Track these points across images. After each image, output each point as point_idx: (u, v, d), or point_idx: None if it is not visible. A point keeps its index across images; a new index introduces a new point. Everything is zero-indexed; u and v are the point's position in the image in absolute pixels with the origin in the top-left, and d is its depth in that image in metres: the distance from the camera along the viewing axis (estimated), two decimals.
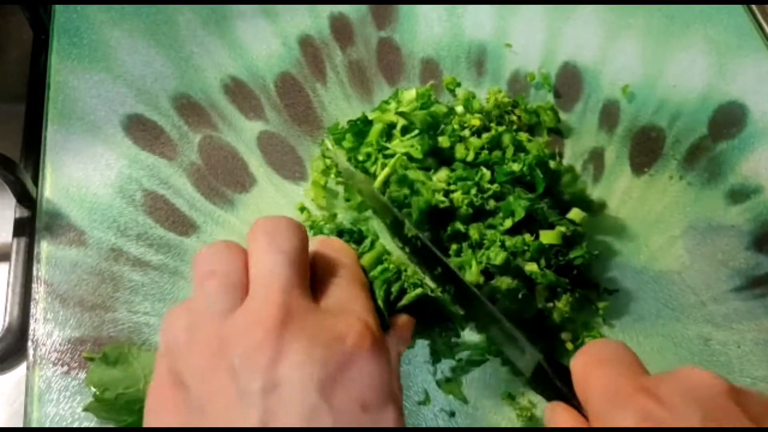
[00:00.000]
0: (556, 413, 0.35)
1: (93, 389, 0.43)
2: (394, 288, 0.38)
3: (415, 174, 0.48)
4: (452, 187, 0.48)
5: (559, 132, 0.58)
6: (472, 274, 0.45)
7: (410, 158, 0.50)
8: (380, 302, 0.36)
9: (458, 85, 0.59)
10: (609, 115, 0.59)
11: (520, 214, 0.47)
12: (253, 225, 0.34)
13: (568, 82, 0.61)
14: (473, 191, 0.48)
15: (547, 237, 0.47)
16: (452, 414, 0.45)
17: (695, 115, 0.59)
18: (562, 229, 0.47)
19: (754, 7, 0.65)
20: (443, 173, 0.49)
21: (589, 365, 0.33)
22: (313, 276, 0.34)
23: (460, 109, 0.54)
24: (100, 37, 0.60)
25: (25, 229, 0.51)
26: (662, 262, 0.52)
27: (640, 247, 0.53)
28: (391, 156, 0.50)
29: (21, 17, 0.62)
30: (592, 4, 0.65)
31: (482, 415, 0.46)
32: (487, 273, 0.46)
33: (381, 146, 0.51)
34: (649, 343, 0.49)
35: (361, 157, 0.51)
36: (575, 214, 0.50)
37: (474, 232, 0.46)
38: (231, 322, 0.31)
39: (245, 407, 0.28)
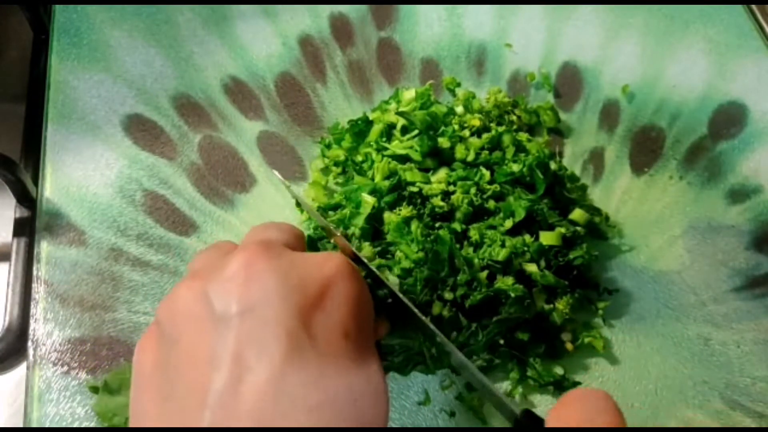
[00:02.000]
0: None
1: (97, 416, 0.43)
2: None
3: (413, 175, 0.48)
4: (452, 188, 0.48)
5: (559, 132, 0.58)
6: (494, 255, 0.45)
7: (409, 159, 0.50)
8: None
9: (458, 85, 0.60)
10: (609, 115, 0.59)
11: (520, 214, 0.47)
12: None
13: (568, 82, 0.61)
14: (473, 191, 0.48)
15: (547, 238, 0.47)
16: (452, 414, 0.45)
17: (695, 115, 0.59)
18: (562, 230, 0.47)
19: (754, 7, 0.65)
20: (442, 173, 0.49)
21: (579, 421, 0.29)
22: None
23: (460, 109, 0.54)
24: (100, 37, 0.60)
25: (25, 229, 0.51)
26: (662, 262, 0.52)
27: (640, 247, 0.53)
28: (391, 156, 0.50)
29: (21, 17, 0.62)
30: (592, 4, 0.65)
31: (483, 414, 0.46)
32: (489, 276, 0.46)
33: (380, 146, 0.51)
34: (649, 343, 0.49)
35: (359, 158, 0.51)
36: (578, 215, 0.50)
37: (474, 233, 0.46)
38: (211, 265, 0.31)
39: (221, 331, 0.28)
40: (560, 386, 0.46)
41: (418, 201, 0.48)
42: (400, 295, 0.39)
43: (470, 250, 0.46)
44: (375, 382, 0.30)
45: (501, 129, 0.52)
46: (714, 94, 0.60)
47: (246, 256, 0.30)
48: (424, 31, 0.63)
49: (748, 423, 0.46)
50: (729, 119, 0.59)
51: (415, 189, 0.48)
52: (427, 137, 0.49)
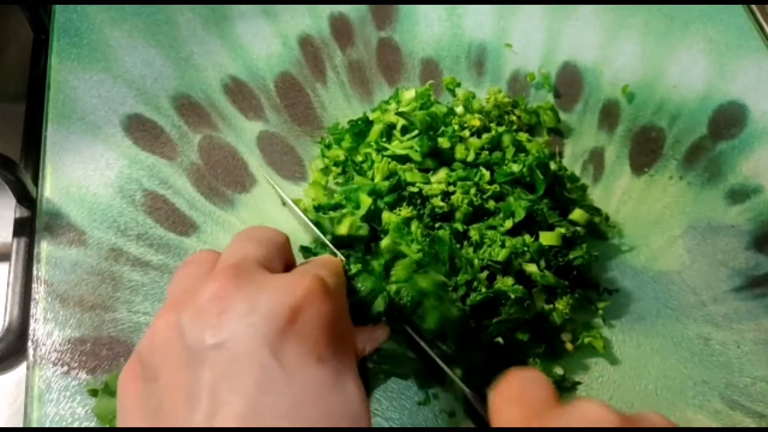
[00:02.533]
0: None
1: (97, 418, 0.43)
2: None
3: (413, 176, 0.48)
4: (451, 188, 0.48)
5: (559, 132, 0.58)
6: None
7: (409, 160, 0.50)
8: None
9: (458, 85, 0.60)
10: (609, 115, 0.59)
11: (520, 215, 0.47)
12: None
13: (568, 82, 0.61)
14: (473, 191, 0.48)
15: (547, 238, 0.47)
16: (452, 414, 0.45)
17: (695, 115, 0.59)
18: (562, 230, 0.47)
19: (754, 7, 0.65)
20: (442, 173, 0.49)
21: (499, 403, 0.32)
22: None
23: (460, 109, 0.54)
24: (100, 37, 0.60)
25: (25, 229, 0.51)
26: (662, 262, 0.52)
27: (640, 247, 0.53)
28: (391, 156, 0.50)
29: (21, 17, 0.62)
30: (592, 4, 0.65)
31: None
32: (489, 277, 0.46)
33: (380, 146, 0.51)
34: (649, 343, 0.49)
35: (359, 158, 0.51)
36: (578, 215, 0.50)
37: (474, 233, 0.46)
38: (187, 291, 0.31)
39: (196, 367, 0.28)
40: (560, 386, 0.46)
41: (418, 201, 0.48)
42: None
43: (470, 250, 0.46)
44: (353, 405, 0.29)
45: (501, 129, 0.52)
46: (714, 94, 0.60)
47: (217, 285, 0.30)
48: (424, 31, 0.63)
49: (748, 423, 0.46)
50: (729, 119, 0.59)
51: (414, 189, 0.48)
52: (427, 137, 0.49)
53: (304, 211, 0.52)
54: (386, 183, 0.48)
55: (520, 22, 0.64)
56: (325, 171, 0.54)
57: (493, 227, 0.47)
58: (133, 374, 0.31)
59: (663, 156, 0.57)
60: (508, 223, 0.47)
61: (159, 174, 0.54)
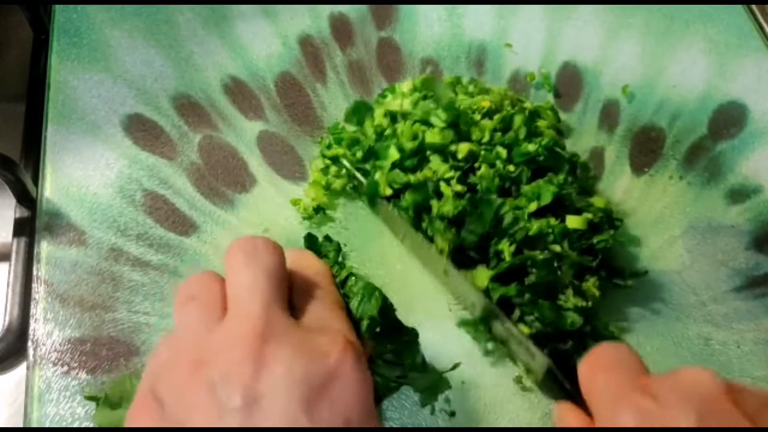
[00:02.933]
0: (564, 413, 0.37)
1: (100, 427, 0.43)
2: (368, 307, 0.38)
3: (432, 136, 0.48)
4: (476, 164, 0.48)
5: (559, 132, 0.58)
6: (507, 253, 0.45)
7: (428, 124, 0.50)
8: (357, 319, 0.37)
9: (458, 83, 0.59)
10: (609, 115, 0.59)
11: (547, 198, 0.46)
12: (229, 247, 0.34)
13: (568, 82, 0.61)
14: (499, 164, 0.48)
15: (573, 222, 0.46)
16: (452, 414, 0.45)
17: (695, 115, 0.59)
18: (589, 215, 0.47)
19: (754, 7, 0.65)
20: (464, 146, 0.49)
21: (593, 368, 0.34)
22: (290, 292, 0.34)
23: (465, 80, 0.55)
24: (100, 37, 0.60)
25: (25, 229, 0.51)
26: (662, 262, 0.52)
27: (640, 247, 0.53)
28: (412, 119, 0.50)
29: (21, 17, 0.62)
30: (592, 4, 0.65)
31: (482, 415, 0.46)
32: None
33: (403, 111, 0.51)
34: (649, 343, 0.49)
35: (371, 132, 0.51)
36: (598, 201, 0.50)
37: (507, 206, 0.46)
38: (210, 339, 0.30)
39: (228, 421, 0.28)
40: None
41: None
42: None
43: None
44: None
45: (513, 110, 0.52)
46: (714, 94, 0.60)
47: (250, 343, 0.29)
48: (424, 31, 0.63)
49: (749, 423, 0.46)
50: (729, 119, 0.59)
51: (438, 159, 0.48)
52: (451, 108, 0.49)
53: (305, 211, 0.52)
54: (412, 143, 0.48)
55: (520, 22, 0.64)
56: (325, 171, 0.54)
57: (519, 208, 0.47)
58: (150, 415, 0.30)
59: (663, 156, 0.57)
60: (533, 205, 0.46)
61: (159, 174, 0.54)
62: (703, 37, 0.63)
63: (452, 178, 0.47)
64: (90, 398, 0.44)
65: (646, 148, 0.57)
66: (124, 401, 0.43)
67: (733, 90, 0.60)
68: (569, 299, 0.45)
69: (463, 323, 0.48)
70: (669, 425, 0.29)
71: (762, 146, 0.57)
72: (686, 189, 0.55)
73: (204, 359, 0.29)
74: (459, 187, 0.47)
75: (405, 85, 0.54)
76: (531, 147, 0.48)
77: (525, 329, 0.44)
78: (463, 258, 0.46)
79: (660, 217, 0.54)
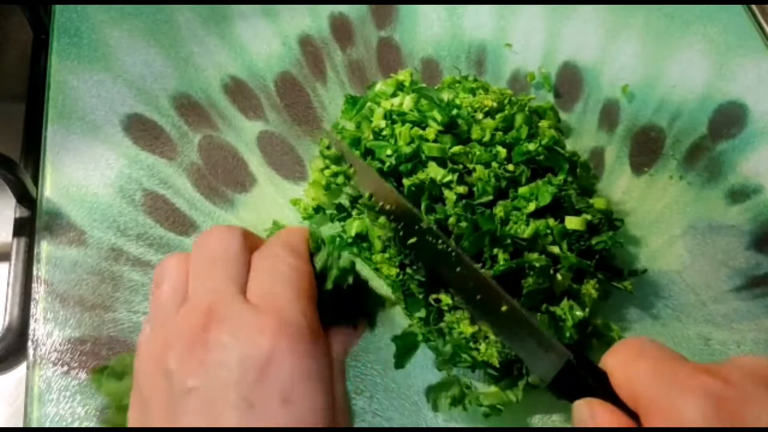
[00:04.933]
0: (596, 411, 0.33)
1: (108, 398, 0.43)
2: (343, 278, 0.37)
3: (429, 149, 0.48)
4: (471, 166, 0.48)
5: (559, 132, 0.58)
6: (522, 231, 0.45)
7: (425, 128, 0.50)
8: (329, 298, 0.36)
9: (458, 82, 0.59)
10: (609, 115, 0.59)
11: (546, 199, 0.46)
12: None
13: (568, 82, 0.61)
14: (495, 165, 0.48)
15: (573, 223, 0.46)
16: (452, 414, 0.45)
17: (695, 115, 0.59)
18: (588, 216, 0.47)
19: (754, 7, 0.65)
20: (458, 149, 0.49)
21: (629, 359, 0.32)
22: (254, 267, 0.35)
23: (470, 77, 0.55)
24: (100, 37, 0.60)
25: (25, 229, 0.51)
26: (662, 262, 0.52)
27: (640, 247, 0.53)
28: (411, 122, 0.50)
29: (21, 17, 0.62)
30: (592, 4, 0.65)
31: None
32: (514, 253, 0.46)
33: (399, 112, 0.51)
34: None
35: (368, 133, 0.51)
36: (598, 202, 0.50)
37: (499, 210, 0.46)
38: (173, 323, 0.32)
39: (175, 408, 0.30)
40: None
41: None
42: (438, 232, 0.40)
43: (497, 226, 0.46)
44: None
45: (514, 109, 0.52)
46: (714, 94, 0.60)
47: (195, 328, 0.31)
48: (424, 31, 0.63)
49: None
50: (729, 119, 0.59)
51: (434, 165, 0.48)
52: (447, 108, 0.49)
53: (305, 211, 0.52)
54: (408, 148, 0.48)
55: (520, 22, 0.64)
56: (325, 170, 0.54)
57: (517, 208, 0.47)
58: (135, 401, 0.33)
59: (663, 156, 0.57)
60: (532, 206, 0.46)
61: (159, 174, 0.54)
62: (703, 37, 0.63)
63: (452, 181, 0.47)
64: (95, 372, 0.44)
65: (646, 148, 0.57)
66: (127, 374, 0.43)
67: (733, 90, 0.60)
68: (566, 312, 0.45)
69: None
70: (748, 407, 0.28)
71: (762, 146, 0.57)
72: (686, 189, 0.55)
73: (164, 347, 0.31)
74: (461, 189, 0.47)
75: (389, 83, 0.55)
76: (531, 146, 0.48)
77: (467, 330, 0.44)
78: None
79: (660, 217, 0.54)
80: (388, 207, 0.47)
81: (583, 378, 0.35)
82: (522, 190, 0.47)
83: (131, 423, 0.33)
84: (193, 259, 0.35)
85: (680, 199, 0.55)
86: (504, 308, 0.41)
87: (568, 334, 0.45)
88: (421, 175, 0.47)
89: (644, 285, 0.51)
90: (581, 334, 0.46)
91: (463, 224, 0.45)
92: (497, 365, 0.44)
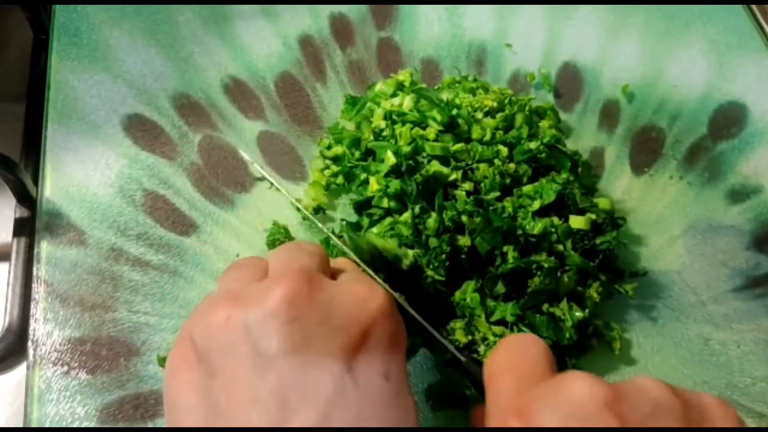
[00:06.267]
0: (476, 414, 0.35)
1: None
2: None
3: (431, 147, 0.48)
4: (474, 165, 0.48)
5: (559, 132, 0.58)
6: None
7: (426, 127, 0.50)
8: None
9: (458, 83, 0.59)
10: (609, 115, 0.59)
11: (550, 197, 0.46)
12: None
13: (568, 82, 0.61)
14: (497, 162, 0.47)
15: (577, 222, 0.46)
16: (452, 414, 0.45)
17: (695, 115, 0.59)
18: (593, 216, 0.47)
19: (754, 7, 0.65)
20: (458, 146, 0.48)
21: (496, 370, 0.32)
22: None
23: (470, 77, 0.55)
24: (100, 37, 0.60)
25: (25, 229, 0.51)
26: (662, 262, 0.52)
27: (640, 247, 0.53)
28: (411, 122, 0.50)
29: (21, 17, 0.62)
30: (592, 4, 0.65)
31: None
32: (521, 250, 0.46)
33: (399, 112, 0.51)
34: (649, 343, 0.49)
35: (368, 135, 0.51)
36: (602, 201, 0.50)
37: (508, 205, 0.46)
38: (248, 290, 0.30)
39: (263, 371, 0.27)
40: None
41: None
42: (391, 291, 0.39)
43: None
44: (410, 419, 0.30)
45: (514, 108, 0.51)
46: (714, 94, 0.60)
47: (289, 289, 0.29)
48: (424, 31, 0.63)
49: (749, 423, 0.46)
50: (729, 119, 0.59)
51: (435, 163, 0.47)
52: (447, 108, 0.49)
53: (306, 207, 0.52)
54: (409, 148, 0.48)
55: (520, 22, 0.64)
56: (325, 171, 0.54)
57: (522, 206, 0.47)
58: (187, 363, 0.30)
59: (663, 156, 0.57)
60: (536, 204, 0.46)
61: (159, 174, 0.54)
62: (703, 37, 0.63)
63: (457, 179, 0.47)
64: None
65: (646, 148, 0.57)
66: None
67: (733, 90, 0.60)
68: (565, 312, 0.45)
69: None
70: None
71: (762, 146, 0.57)
72: (686, 189, 0.55)
73: (239, 303, 0.29)
74: (467, 185, 0.47)
75: (389, 83, 0.55)
76: (533, 145, 0.48)
77: (462, 338, 0.43)
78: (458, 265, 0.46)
79: (660, 217, 0.54)
80: None
81: (477, 381, 0.35)
82: (526, 188, 0.47)
83: (183, 390, 0.29)
84: (277, 251, 0.34)
85: (680, 199, 0.55)
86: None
87: (567, 335, 0.45)
88: (430, 168, 0.47)
89: (644, 285, 0.51)
90: (581, 334, 0.46)
91: (477, 219, 0.45)
92: None
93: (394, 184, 0.47)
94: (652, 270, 0.51)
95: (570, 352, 0.47)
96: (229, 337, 0.28)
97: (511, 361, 0.32)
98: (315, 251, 0.34)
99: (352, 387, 0.28)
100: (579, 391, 0.28)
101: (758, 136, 0.58)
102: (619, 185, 0.55)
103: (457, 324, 0.44)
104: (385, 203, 0.47)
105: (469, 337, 0.43)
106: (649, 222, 0.54)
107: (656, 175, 0.56)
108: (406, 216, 0.45)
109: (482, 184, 0.47)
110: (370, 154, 0.51)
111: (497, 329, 0.44)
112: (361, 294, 0.31)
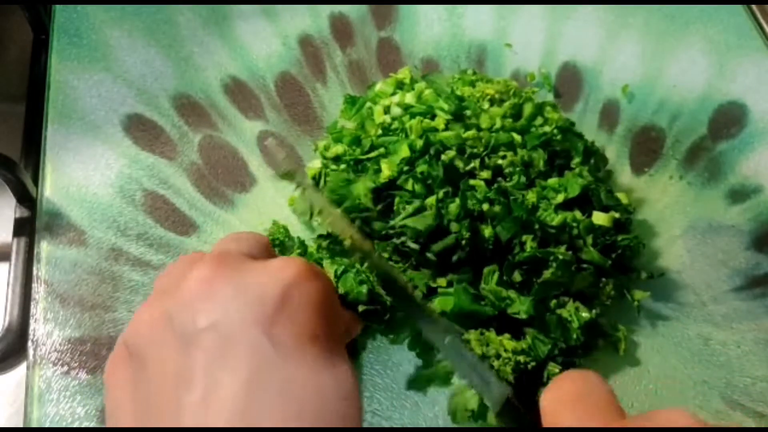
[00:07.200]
0: None
1: None
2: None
3: (445, 137, 0.47)
4: (486, 153, 0.47)
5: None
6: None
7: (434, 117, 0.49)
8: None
9: (458, 79, 0.59)
10: (609, 115, 0.59)
11: (575, 191, 0.46)
12: None
13: (568, 82, 0.61)
14: (519, 151, 0.47)
15: (600, 219, 0.46)
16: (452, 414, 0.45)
17: (695, 115, 0.59)
18: (616, 214, 0.47)
19: (754, 7, 0.65)
20: (471, 133, 0.48)
21: (558, 403, 0.30)
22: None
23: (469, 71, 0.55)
24: (100, 37, 0.60)
25: (25, 229, 0.51)
26: (662, 262, 0.52)
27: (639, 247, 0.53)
28: (419, 113, 0.49)
29: (21, 17, 0.62)
30: (592, 4, 0.65)
31: None
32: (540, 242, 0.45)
33: (405, 105, 0.50)
34: (649, 343, 0.49)
35: (373, 131, 0.50)
36: (622, 197, 0.50)
37: (532, 195, 0.46)
38: (170, 283, 0.31)
39: (186, 350, 0.28)
40: None
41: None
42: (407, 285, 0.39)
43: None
44: (345, 383, 0.30)
45: (520, 99, 0.51)
46: (714, 94, 0.60)
47: (202, 272, 0.30)
48: (424, 31, 0.63)
49: (749, 423, 0.46)
50: (729, 119, 0.59)
51: (450, 153, 0.47)
52: (455, 97, 0.49)
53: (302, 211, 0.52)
54: (421, 141, 0.47)
55: (520, 22, 0.64)
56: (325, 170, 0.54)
57: (545, 198, 0.46)
58: (122, 364, 0.31)
59: (663, 156, 0.57)
60: (560, 197, 0.46)
61: (159, 174, 0.54)
62: (703, 37, 0.63)
63: (475, 168, 0.46)
64: None
65: (646, 148, 0.57)
66: None
67: (733, 90, 0.60)
68: (572, 314, 0.45)
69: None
70: None
71: (762, 146, 0.57)
72: (686, 189, 0.55)
73: (161, 297, 0.30)
74: (485, 174, 0.46)
75: (389, 83, 0.54)
76: (547, 128, 0.48)
77: (478, 349, 0.43)
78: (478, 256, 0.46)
79: (660, 217, 0.54)
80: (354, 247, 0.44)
81: (523, 415, 0.35)
82: (551, 181, 0.47)
83: (117, 389, 0.30)
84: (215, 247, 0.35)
85: (680, 199, 0.55)
86: (447, 340, 0.39)
87: (574, 336, 0.44)
88: (447, 157, 0.46)
89: (644, 285, 0.51)
90: (587, 335, 0.46)
91: (497, 207, 0.44)
92: (512, 380, 0.43)
93: (421, 167, 0.46)
94: (652, 270, 0.51)
95: (576, 352, 0.47)
96: (154, 329, 0.29)
97: (575, 392, 0.30)
98: (247, 237, 0.35)
99: (274, 352, 0.28)
100: (676, 424, 0.27)
101: (758, 136, 0.58)
102: (619, 185, 0.55)
103: (472, 335, 0.44)
104: (410, 185, 0.46)
105: (484, 348, 0.43)
106: (649, 222, 0.54)
107: (656, 175, 0.56)
108: (431, 200, 0.45)
109: (506, 172, 0.47)
110: (372, 151, 0.51)
111: (508, 344, 0.43)
112: (276, 264, 0.31)
